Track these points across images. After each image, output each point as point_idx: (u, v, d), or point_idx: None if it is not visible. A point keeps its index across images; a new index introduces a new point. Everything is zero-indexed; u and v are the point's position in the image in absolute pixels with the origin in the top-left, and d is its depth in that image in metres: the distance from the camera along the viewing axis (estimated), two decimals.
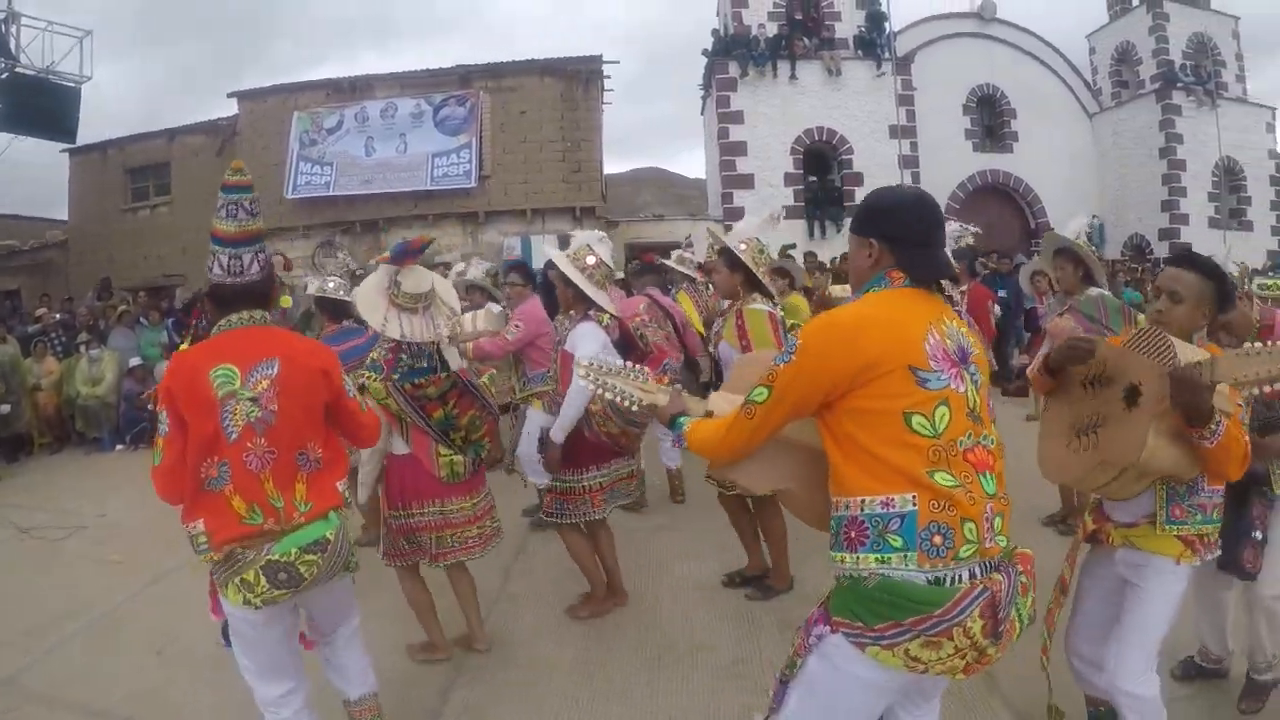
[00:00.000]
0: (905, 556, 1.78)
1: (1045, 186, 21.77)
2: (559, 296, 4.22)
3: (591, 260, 4.02)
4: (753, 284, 4.33)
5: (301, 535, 2.52)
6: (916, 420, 1.82)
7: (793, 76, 18.96)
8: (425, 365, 3.56)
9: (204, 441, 2.43)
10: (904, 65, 19.49)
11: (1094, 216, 21.84)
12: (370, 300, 3.52)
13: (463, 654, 3.88)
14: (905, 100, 19.28)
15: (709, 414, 2.27)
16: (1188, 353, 2.39)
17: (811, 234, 18.16)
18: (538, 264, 15.41)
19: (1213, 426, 2.27)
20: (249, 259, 2.62)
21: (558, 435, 3.91)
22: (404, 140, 18.88)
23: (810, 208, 18.58)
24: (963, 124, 21.41)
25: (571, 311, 4.12)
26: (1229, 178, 22.23)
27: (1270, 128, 23.22)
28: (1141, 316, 4.99)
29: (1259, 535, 3.19)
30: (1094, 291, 5.11)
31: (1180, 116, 21.27)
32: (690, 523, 5.65)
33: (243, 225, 2.63)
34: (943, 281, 2.11)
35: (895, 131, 19.05)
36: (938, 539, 1.78)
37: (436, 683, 3.66)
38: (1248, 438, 2.39)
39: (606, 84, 19.88)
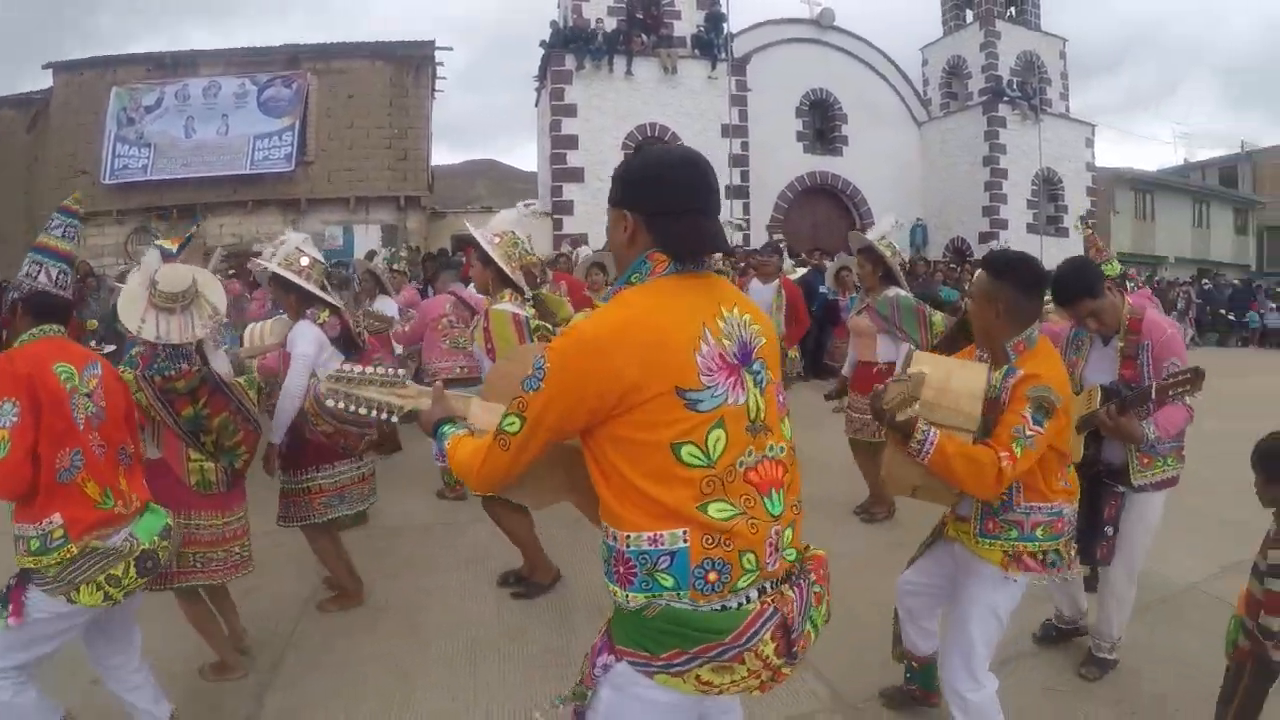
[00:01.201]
0: (678, 594, 1.60)
1: (872, 189, 22.53)
2: (280, 301, 4.21)
3: (305, 261, 3.96)
4: (503, 281, 4.13)
5: (152, 521, 2.71)
6: (686, 451, 1.59)
7: (628, 72, 18.97)
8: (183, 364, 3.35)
9: (58, 432, 2.49)
10: (740, 67, 19.74)
11: (918, 219, 22.77)
12: (130, 300, 3.35)
13: (278, 656, 3.67)
14: (739, 101, 19.50)
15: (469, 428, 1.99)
16: (940, 369, 2.54)
17: None
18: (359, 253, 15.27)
19: (915, 441, 2.38)
20: (70, 278, 2.75)
21: (275, 436, 3.79)
22: (226, 121, 18.08)
23: None
24: (795, 126, 22.00)
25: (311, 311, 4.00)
26: (1048, 187, 23.45)
27: (1089, 143, 24.64)
28: (937, 317, 5.11)
29: (1110, 530, 3.35)
30: (890, 292, 5.22)
31: (1005, 128, 22.35)
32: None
33: (72, 248, 2.80)
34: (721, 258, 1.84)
35: (727, 130, 19.23)
36: (712, 576, 1.60)
37: (250, 689, 3.44)
38: (1001, 459, 2.36)
39: (439, 71, 19.56)
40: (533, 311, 4.07)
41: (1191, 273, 27.29)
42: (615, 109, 18.87)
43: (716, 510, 1.60)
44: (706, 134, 19.03)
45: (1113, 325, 3.34)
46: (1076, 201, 23.72)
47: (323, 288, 4.02)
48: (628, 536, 1.62)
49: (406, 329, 6.60)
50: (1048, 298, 3.30)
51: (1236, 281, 25.38)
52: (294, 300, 3.96)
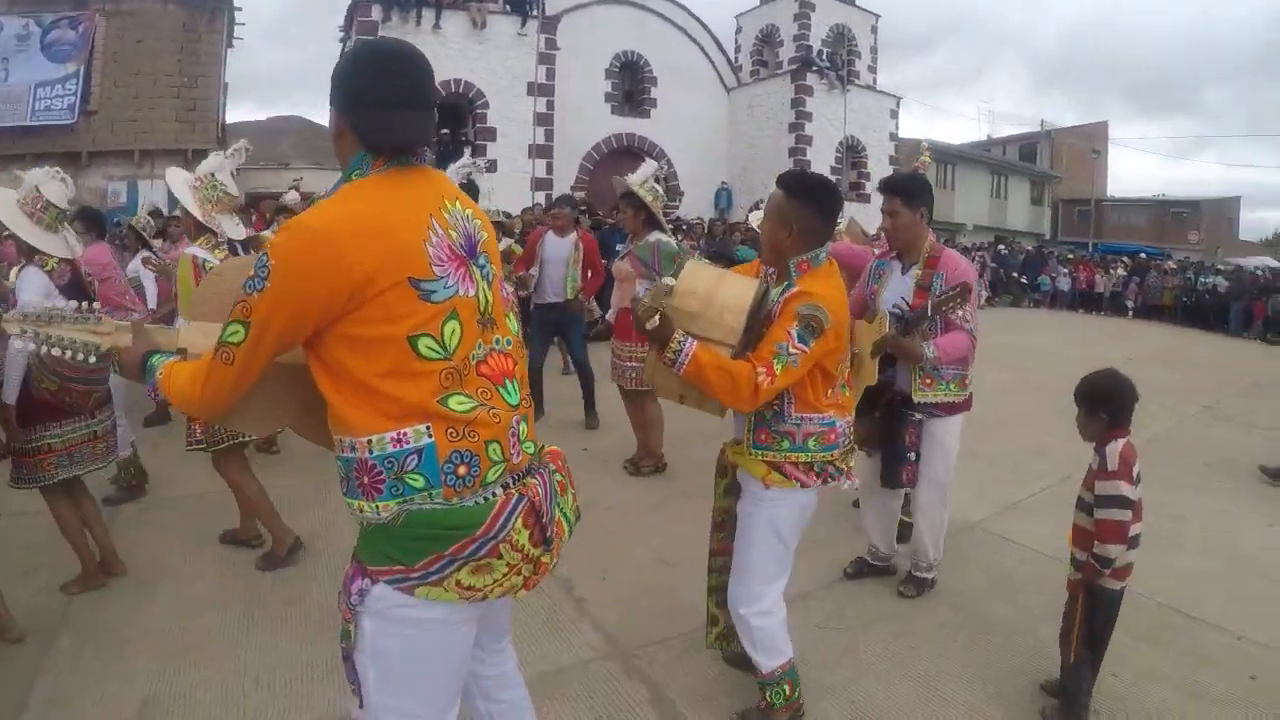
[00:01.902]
0: (430, 494, 1.55)
1: (679, 152, 23.21)
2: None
3: (39, 204, 3.69)
4: (200, 228, 4.02)
5: None
6: (424, 344, 1.54)
7: (436, 26, 18.62)
8: None
9: None
10: (550, 25, 19.72)
11: (723, 182, 23.51)
12: None
13: (47, 639, 3.40)
14: (547, 59, 19.51)
15: (182, 352, 1.81)
16: (721, 284, 2.52)
17: None
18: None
19: (671, 352, 2.36)
20: None
21: (8, 395, 3.53)
22: (5, 67, 16.79)
23: (441, 161, 18.26)
24: (604, 87, 22.27)
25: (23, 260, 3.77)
26: (852, 155, 24.67)
27: (894, 114, 25.91)
28: (690, 262, 5.20)
29: (913, 456, 3.52)
30: (652, 237, 5.22)
31: (811, 97, 23.24)
32: (284, 477, 5.18)
33: None
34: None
35: (533, 89, 19.26)
36: (462, 469, 1.58)
37: (16, 676, 3.16)
38: (759, 374, 2.35)
39: (239, 18, 18.81)
40: (223, 255, 3.99)
41: (989, 239, 29.15)
42: None
43: (457, 403, 1.58)
44: (512, 91, 19.07)
45: (905, 240, 3.57)
46: (879, 170, 24.90)
47: (54, 231, 3.76)
48: (369, 441, 1.55)
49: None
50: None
51: (1030, 248, 27.21)
52: (25, 245, 3.73)
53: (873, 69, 25.89)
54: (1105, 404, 2.81)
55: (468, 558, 1.57)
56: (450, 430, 1.57)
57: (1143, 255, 26.56)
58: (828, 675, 3.12)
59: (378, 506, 1.56)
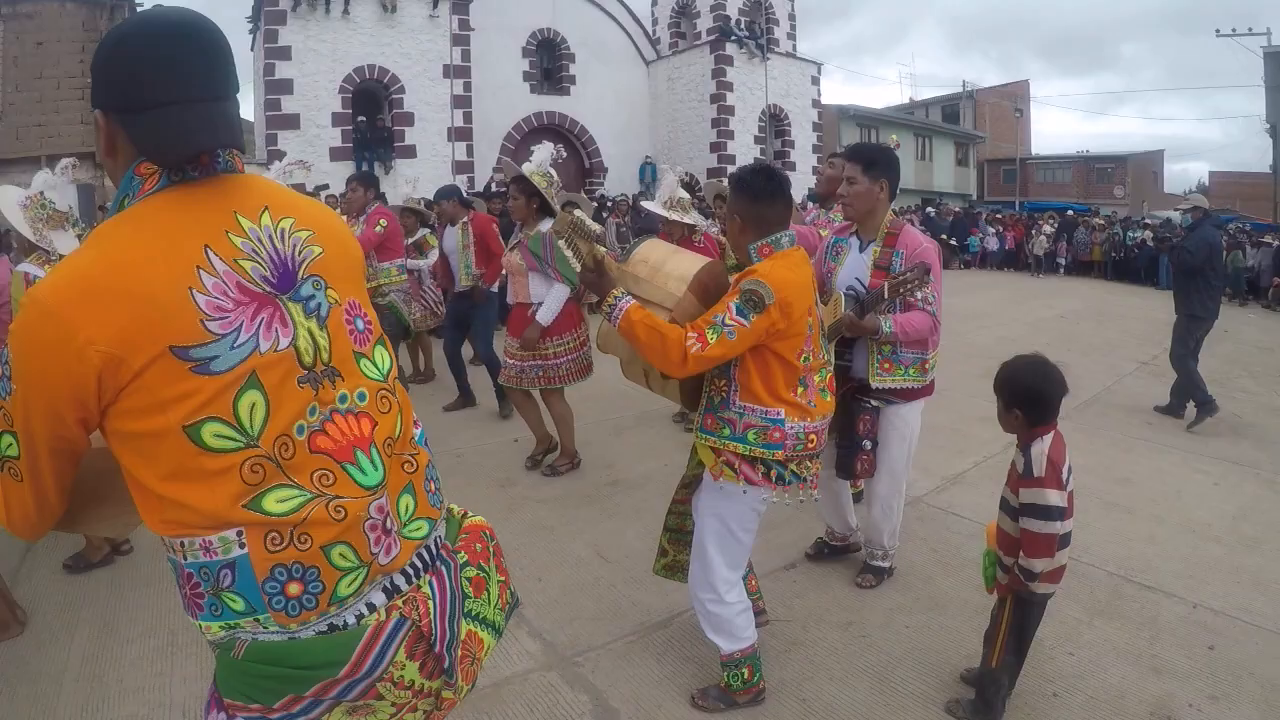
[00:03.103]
0: (258, 620, 1.19)
1: (601, 128, 23.28)
2: None
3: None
4: (31, 246, 3.96)
5: None
6: (209, 432, 1.14)
7: (345, 12, 18.31)
8: None
9: None
10: (462, 5, 19.53)
11: (647, 157, 23.58)
12: None
13: None
14: (461, 40, 19.38)
15: None
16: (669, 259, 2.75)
17: None
18: None
19: (608, 305, 2.49)
20: None
21: None
22: None
23: (358, 149, 18.24)
24: (521, 66, 22.14)
25: None
26: (775, 123, 24.86)
27: (815, 81, 26.15)
28: (650, 238, 5.04)
29: (868, 445, 3.42)
30: (545, 227, 4.85)
31: (732, 66, 23.34)
32: None
33: None
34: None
35: (449, 71, 19.15)
36: (294, 588, 1.19)
37: None
38: (688, 343, 2.38)
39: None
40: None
41: (916, 202, 29.61)
42: (333, 51, 18.24)
43: (276, 502, 1.18)
44: (428, 75, 18.95)
45: (859, 211, 3.47)
46: (803, 138, 25.29)
47: None
48: (181, 545, 1.18)
49: None
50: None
51: (958, 210, 27.70)
52: None
53: (792, 36, 25.98)
54: (1023, 403, 2.59)
55: (336, 699, 1.23)
56: (271, 537, 1.17)
57: (1070, 212, 27.13)
58: (777, 671, 3.00)
59: (203, 626, 1.22)
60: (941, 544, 4.14)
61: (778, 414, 2.50)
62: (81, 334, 1.07)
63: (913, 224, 20.68)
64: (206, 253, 1.17)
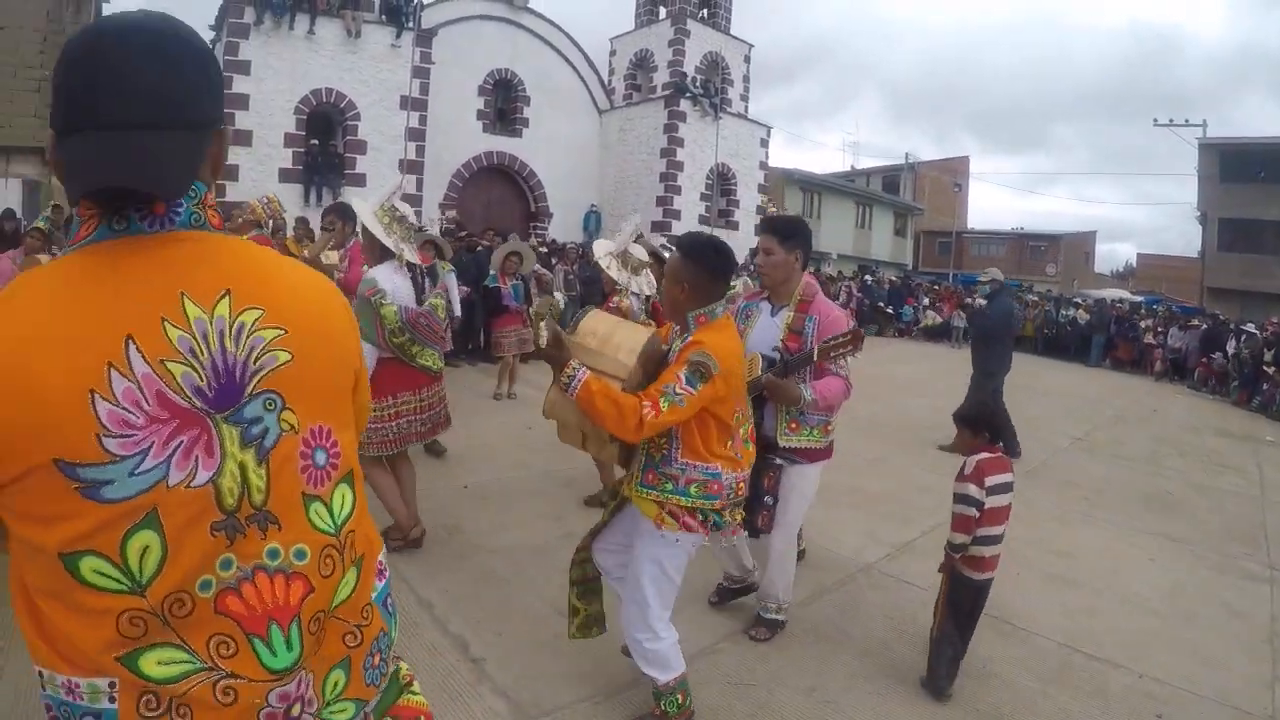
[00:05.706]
0: None
1: (549, 173, 23.59)
2: None
3: None
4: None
5: None
6: (89, 567, 0.93)
7: (310, 32, 18.13)
8: None
9: None
10: (425, 38, 19.55)
11: (593, 205, 23.94)
12: None
13: None
14: (421, 73, 19.35)
15: None
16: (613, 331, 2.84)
17: (307, 200, 17.53)
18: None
19: (565, 376, 2.55)
20: None
21: None
22: None
23: (308, 172, 17.99)
24: (476, 104, 22.32)
25: None
26: (722, 182, 25.37)
27: (764, 143, 26.83)
28: (593, 310, 4.83)
29: (770, 500, 3.45)
30: (378, 272, 4.20)
31: (684, 123, 23.82)
32: None
33: None
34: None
35: (406, 103, 19.07)
36: None
37: None
38: (644, 407, 2.50)
39: (105, 10, 17.93)
40: None
41: (854, 269, 30.39)
42: (292, 70, 18.01)
43: (155, 663, 0.97)
44: (385, 104, 18.81)
45: (775, 280, 3.62)
46: (748, 198, 25.81)
47: None
48: (41, 675, 0.99)
49: None
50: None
51: (894, 279, 28.48)
52: None
53: (745, 97, 26.74)
54: (988, 429, 3.36)
55: None
56: (146, 700, 0.97)
57: None
58: None
59: None
60: (896, 612, 4.21)
61: (715, 469, 2.71)
62: None
63: (850, 290, 21.38)
64: (127, 346, 0.94)
